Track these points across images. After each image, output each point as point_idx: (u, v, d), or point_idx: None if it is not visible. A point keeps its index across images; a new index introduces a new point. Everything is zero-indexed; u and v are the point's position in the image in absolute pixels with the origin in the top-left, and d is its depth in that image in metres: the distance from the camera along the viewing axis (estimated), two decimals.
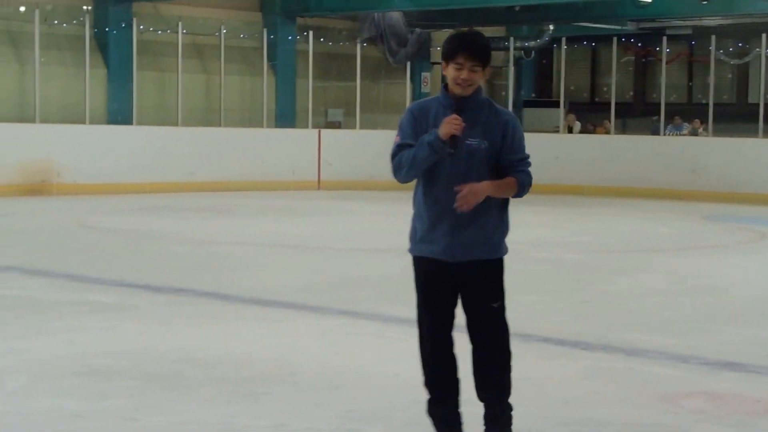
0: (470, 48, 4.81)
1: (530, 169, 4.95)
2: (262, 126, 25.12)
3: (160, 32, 25.02)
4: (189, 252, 13.01)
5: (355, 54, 26.21)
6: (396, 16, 28.27)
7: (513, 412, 5.03)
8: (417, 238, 4.96)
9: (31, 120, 21.84)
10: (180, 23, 23.82)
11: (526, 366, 6.77)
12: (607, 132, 26.52)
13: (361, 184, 24.35)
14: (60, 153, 20.93)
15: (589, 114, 30.08)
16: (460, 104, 4.84)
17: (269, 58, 25.91)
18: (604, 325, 8.63)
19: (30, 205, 18.61)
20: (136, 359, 6.93)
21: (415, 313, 5.04)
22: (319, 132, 25.24)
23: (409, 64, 27.55)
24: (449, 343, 5.01)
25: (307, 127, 25.49)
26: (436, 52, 29.64)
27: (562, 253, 13.26)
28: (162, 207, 19.09)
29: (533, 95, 33.41)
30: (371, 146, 24.41)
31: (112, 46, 24.09)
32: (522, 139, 4.95)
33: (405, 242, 5.01)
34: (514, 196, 4.94)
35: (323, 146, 24.84)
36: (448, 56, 4.85)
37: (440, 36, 29.29)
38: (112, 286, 10.02)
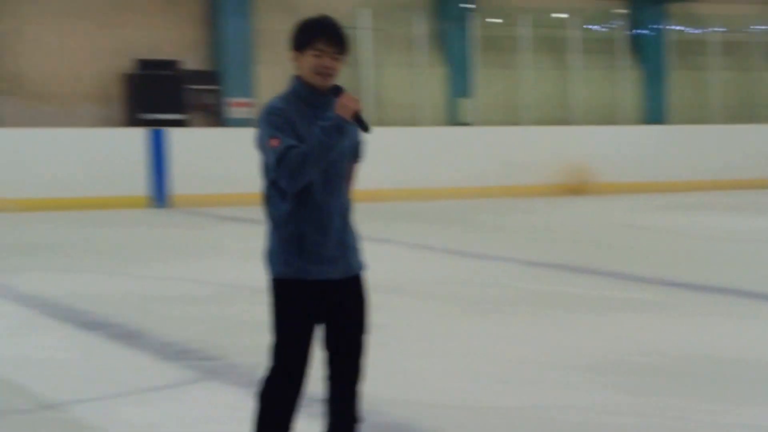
0: (331, 33, 4.22)
1: None
2: None
3: (693, 31, 24.75)
4: (724, 250, 12.81)
5: None
6: None
7: None
8: (307, 258, 4.22)
9: (570, 122, 22.43)
10: (714, 21, 23.44)
11: None
12: None
13: None
14: (597, 153, 21.29)
15: None
16: (335, 93, 4.19)
17: None
18: None
19: (570, 204, 19.09)
20: (676, 357, 6.95)
21: None
22: None
23: None
24: None
25: None
26: None
27: None
28: (694, 204, 18.89)
29: None
30: None
31: (645, 47, 24.18)
32: None
33: None
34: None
35: None
36: (304, 43, 4.19)
37: None
38: (653, 284, 10.07)
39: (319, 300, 4.29)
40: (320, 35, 4.20)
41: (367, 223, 15.16)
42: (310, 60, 4.21)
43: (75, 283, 10.09)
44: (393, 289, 9.66)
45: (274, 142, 4.12)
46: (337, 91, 4.25)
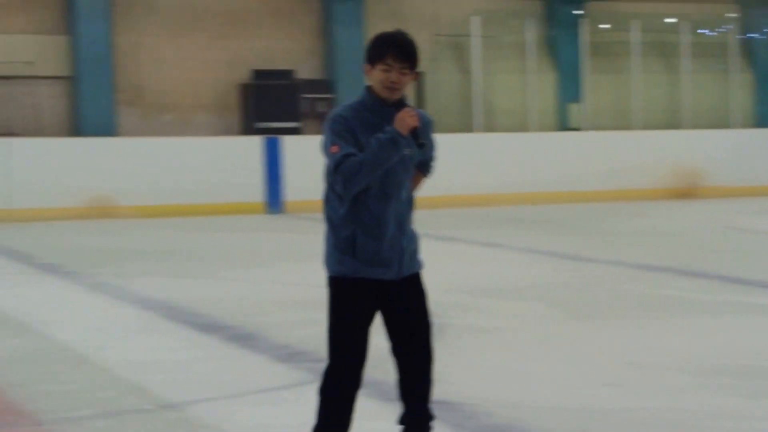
0: (400, 48, 4.39)
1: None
2: None
3: None
4: None
5: None
6: None
7: None
8: (360, 258, 4.42)
9: (680, 126, 22.09)
10: None
11: None
12: None
13: None
14: (707, 157, 20.93)
15: None
16: (399, 106, 4.40)
17: None
18: None
19: (680, 207, 18.81)
20: None
21: None
22: None
23: None
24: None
25: None
26: None
27: None
28: None
29: None
30: None
31: (757, 50, 23.72)
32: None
33: None
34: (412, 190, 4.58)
35: None
36: (376, 57, 4.42)
37: None
38: (763, 287, 9.87)
39: (372, 297, 4.45)
40: (390, 51, 4.39)
41: (476, 228, 15.20)
42: (379, 74, 4.41)
43: (192, 286, 10.25)
44: (500, 292, 9.63)
45: (334, 149, 4.34)
46: (401, 105, 4.43)
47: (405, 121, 4.33)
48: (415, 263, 4.55)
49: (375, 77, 4.44)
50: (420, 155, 4.56)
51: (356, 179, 4.31)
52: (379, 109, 4.43)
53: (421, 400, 4.62)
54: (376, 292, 4.45)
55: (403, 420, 4.64)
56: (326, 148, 4.40)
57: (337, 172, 4.32)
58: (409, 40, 4.45)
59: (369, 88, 4.49)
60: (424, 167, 4.68)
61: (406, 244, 4.48)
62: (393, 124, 4.35)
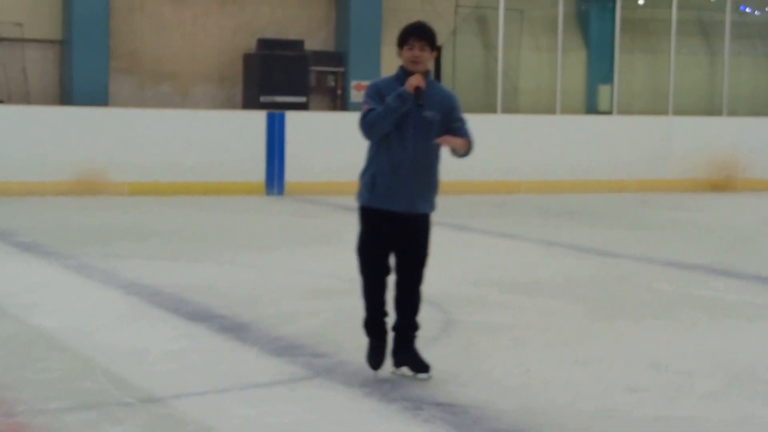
0: (418, 31, 6.22)
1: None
2: None
3: None
4: None
5: None
6: None
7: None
8: (376, 192, 6.18)
9: (719, 113, 21.97)
10: None
11: None
12: None
13: None
14: (747, 147, 20.81)
15: None
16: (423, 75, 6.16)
17: None
18: None
19: (715, 200, 18.73)
20: None
21: None
22: None
23: None
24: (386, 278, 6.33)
25: None
26: None
27: None
28: None
29: None
30: None
31: None
32: (461, 109, 6.33)
33: None
34: (467, 152, 6.25)
35: None
36: (402, 41, 6.23)
37: None
38: None
39: (382, 223, 6.19)
40: (411, 34, 6.22)
41: (493, 217, 15.15)
42: (406, 53, 6.22)
43: (183, 271, 10.22)
44: (516, 288, 9.59)
45: (364, 107, 6.17)
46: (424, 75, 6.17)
47: (410, 83, 6.05)
48: (426, 205, 6.25)
49: (404, 56, 6.21)
50: (433, 118, 6.17)
51: (374, 126, 6.10)
52: (406, 79, 6.14)
53: (409, 312, 6.28)
54: (386, 220, 6.17)
55: (395, 327, 6.31)
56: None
57: (361, 123, 6.10)
58: (427, 26, 6.24)
59: (401, 67, 6.23)
60: (455, 134, 6.22)
61: (416, 187, 6.17)
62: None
